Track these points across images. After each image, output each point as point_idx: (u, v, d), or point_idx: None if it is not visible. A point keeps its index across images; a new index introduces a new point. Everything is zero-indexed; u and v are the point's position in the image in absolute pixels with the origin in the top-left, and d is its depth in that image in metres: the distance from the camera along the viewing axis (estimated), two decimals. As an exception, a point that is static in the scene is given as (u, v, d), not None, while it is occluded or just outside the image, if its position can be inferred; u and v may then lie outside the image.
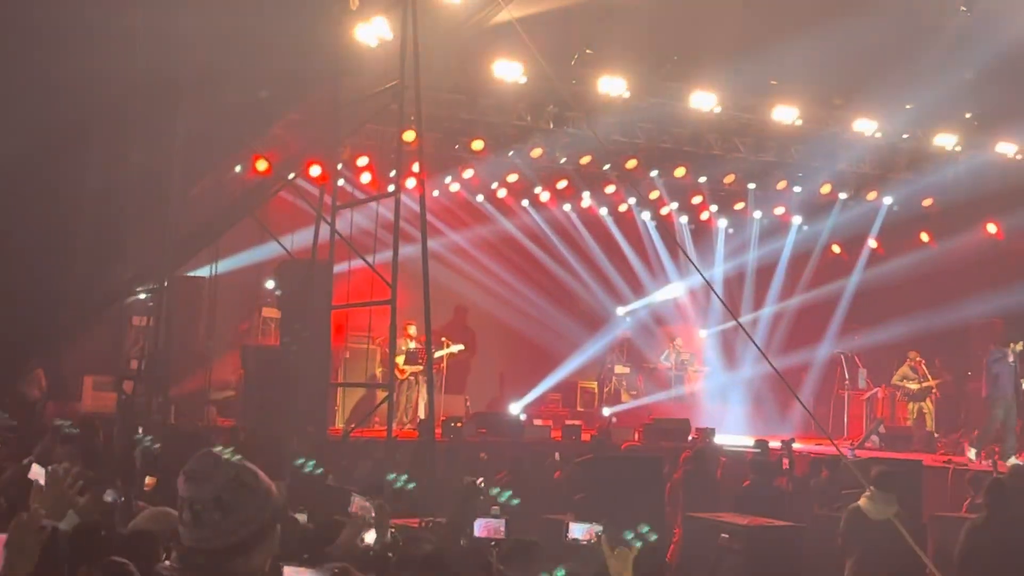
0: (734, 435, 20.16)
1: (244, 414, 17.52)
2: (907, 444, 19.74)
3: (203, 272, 19.85)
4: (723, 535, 12.22)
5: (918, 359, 21.29)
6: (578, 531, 6.92)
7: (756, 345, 10.33)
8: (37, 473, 7.66)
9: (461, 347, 21.63)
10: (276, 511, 3.39)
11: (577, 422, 20.12)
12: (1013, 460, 16.00)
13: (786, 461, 15.63)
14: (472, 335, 24.01)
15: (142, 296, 17.54)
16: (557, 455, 16.83)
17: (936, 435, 20.47)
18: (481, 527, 7.87)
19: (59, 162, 13.47)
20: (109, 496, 7.99)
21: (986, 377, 18.32)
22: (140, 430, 14.43)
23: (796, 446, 17.66)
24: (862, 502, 11.18)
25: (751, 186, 23.63)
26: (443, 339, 21.39)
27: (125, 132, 14.15)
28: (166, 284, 16.73)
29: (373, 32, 14.85)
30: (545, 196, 24.04)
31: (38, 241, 13.56)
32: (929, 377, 21.13)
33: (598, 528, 6.79)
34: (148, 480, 10.33)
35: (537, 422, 20.09)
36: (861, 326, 24.68)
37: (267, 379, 17.00)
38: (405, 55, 13.58)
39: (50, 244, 13.80)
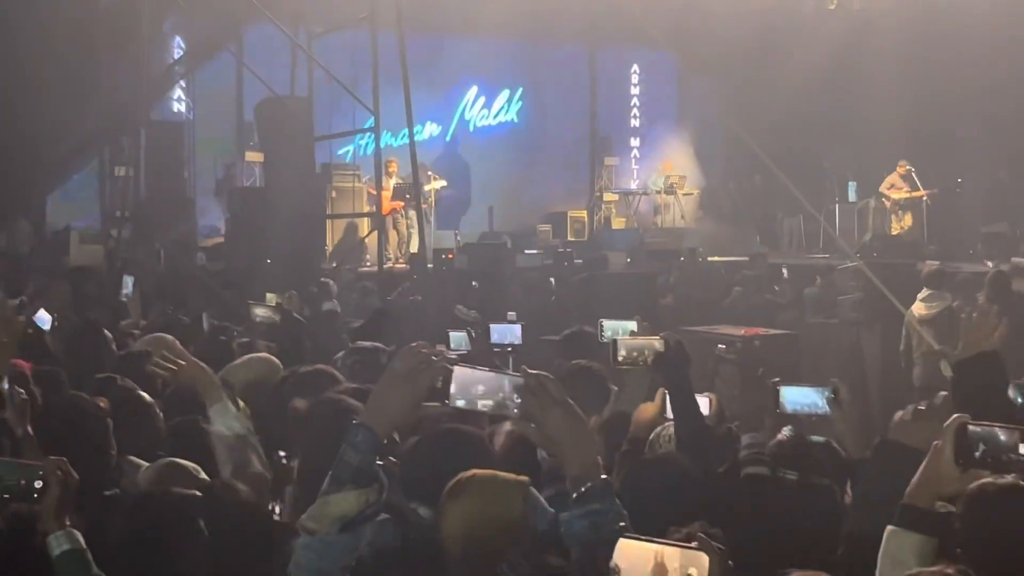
0: (728, 256, 20.10)
1: (234, 256, 17.38)
2: (900, 252, 19.63)
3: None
4: (719, 346, 12.25)
5: (908, 167, 21.01)
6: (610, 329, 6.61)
7: (761, 154, 10.03)
8: (44, 319, 7.61)
9: (444, 183, 21.47)
10: None
11: (568, 249, 20.01)
12: None
13: (784, 271, 15.68)
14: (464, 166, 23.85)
15: (122, 146, 17.35)
16: (552, 280, 16.81)
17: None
18: (495, 333, 7.85)
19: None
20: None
21: None
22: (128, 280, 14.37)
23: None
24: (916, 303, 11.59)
25: None
26: (429, 173, 21.17)
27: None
28: (144, 130, 16.56)
29: None
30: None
31: (8, 84, 13.26)
32: (919, 186, 20.91)
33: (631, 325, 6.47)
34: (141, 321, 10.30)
35: (529, 251, 19.99)
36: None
37: (255, 220, 16.83)
38: None
39: (22, 87, 13.50)
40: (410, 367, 2.95)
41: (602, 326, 6.66)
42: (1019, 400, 4.49)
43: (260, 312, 8.70)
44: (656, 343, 4.82)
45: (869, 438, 4.10)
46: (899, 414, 3.47)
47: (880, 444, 3.53)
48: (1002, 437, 2.98)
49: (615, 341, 4.98)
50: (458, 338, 8.10)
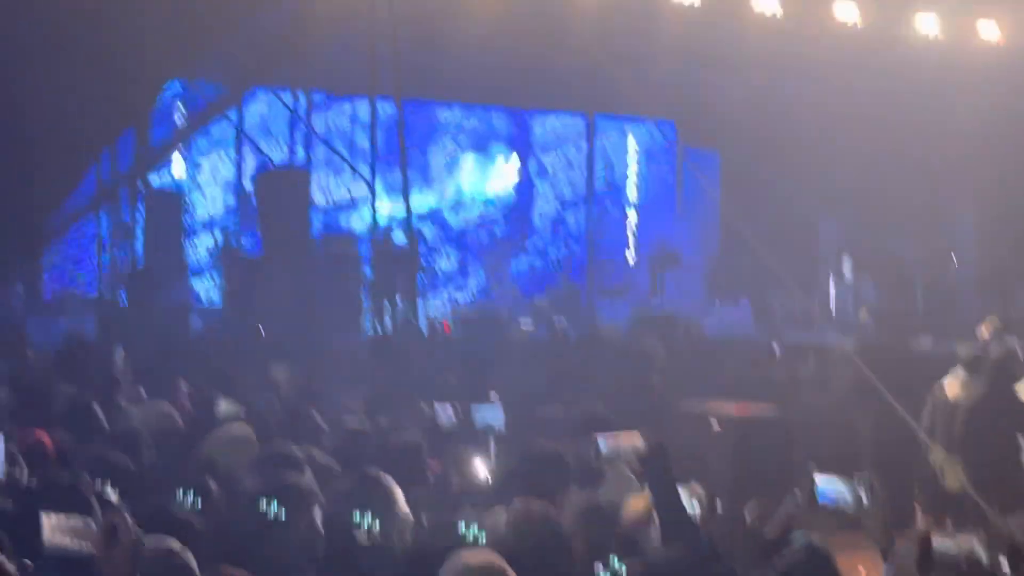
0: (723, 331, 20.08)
1: (229, 326, 17.39)
2: (895, 330, 19.52)
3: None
4: (713, 422, 12.27)
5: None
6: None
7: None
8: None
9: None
10: None
11: (563, 323, 19.96)
12: None
13: (776, 347, 15.66)
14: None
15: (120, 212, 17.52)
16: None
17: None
18: (477, 414, 7.68)
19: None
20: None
21: None
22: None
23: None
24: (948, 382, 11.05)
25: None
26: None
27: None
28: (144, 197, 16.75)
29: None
30: None
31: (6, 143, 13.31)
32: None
33: None
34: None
35: (524, 324, 19.92)
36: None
37: (252, 291, 16.88)
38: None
39: (21, 147, 13.51)
40: None
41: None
42: None
43: (224, 407, 8.26)
44: (637, 441, 4.91)
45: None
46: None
47: None
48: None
49: (596, 442, 5.09)
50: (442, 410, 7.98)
